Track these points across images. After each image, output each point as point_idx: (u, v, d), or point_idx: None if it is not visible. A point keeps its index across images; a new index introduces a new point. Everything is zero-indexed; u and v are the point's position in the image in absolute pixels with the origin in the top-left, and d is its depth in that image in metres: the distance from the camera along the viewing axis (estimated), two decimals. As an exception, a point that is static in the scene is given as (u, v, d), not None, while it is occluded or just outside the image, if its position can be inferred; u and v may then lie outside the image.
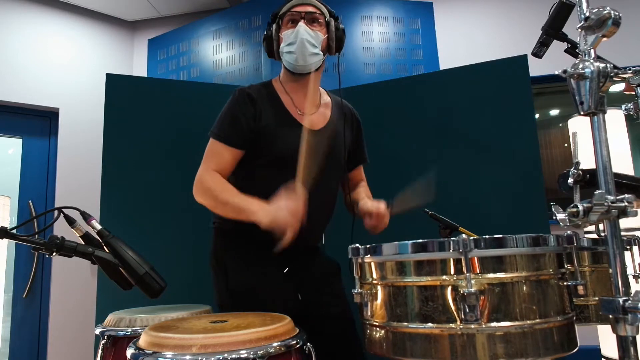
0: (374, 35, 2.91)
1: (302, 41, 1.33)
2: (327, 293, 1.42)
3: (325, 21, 1.41)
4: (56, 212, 1.01)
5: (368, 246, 0.99)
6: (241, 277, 1.31)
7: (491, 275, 0.85)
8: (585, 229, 1.95)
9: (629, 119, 2.29)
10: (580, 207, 0.82)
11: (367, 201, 1.42)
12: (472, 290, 0.81)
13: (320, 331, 1.29)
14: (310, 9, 1.38)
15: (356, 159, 1.57)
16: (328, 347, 1.30)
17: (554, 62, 1.28)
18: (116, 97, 2.14)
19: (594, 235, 1.25)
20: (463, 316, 0.82)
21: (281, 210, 1.16)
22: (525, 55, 1.98)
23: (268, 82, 1.46)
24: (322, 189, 1.38)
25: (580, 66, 0.86)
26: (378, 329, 0.94)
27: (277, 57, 1.43)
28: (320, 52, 1.38)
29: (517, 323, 0.83)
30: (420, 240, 0.90)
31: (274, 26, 1.41)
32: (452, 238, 0.86)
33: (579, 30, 0.91)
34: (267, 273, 1.32)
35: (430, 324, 0.85)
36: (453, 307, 0.84)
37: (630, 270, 1.14)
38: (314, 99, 1.45)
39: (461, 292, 0.82)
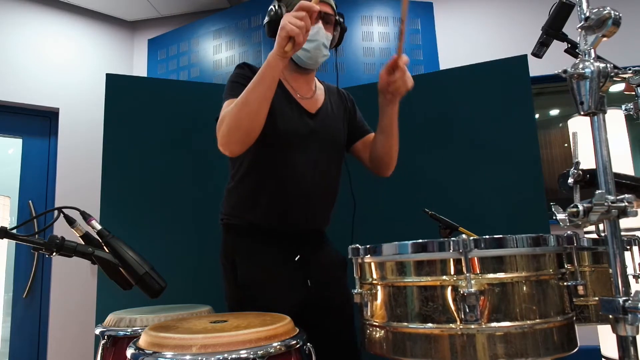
0: (374, 35, 2.91)
1: (320, 44, 1.34)
2: (333, 282, 1.42)
3: (335, 20, 1.41)
4: (56, 212, 1.01)
5: (368, 246, 0.99)
6: (249, 270, 1.31)
7: (491, 275, 0.85)
8: (585, 229, 1.95)
9: (629, 119, 2.29)
10: (580, 207, 0.82)
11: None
12: (472, 290, 0.81)
13: (319, 319, 1.31)
14: (328, 9, 1.37)
15: (361, 132, 1.57)
16: (326, 340, 1.30)
17: (554, 62, 1.28)
18: (116, 97, 2.14)
19: (594, 235, 1.25)
20: (463, 316, 0.82)
21: (284, 21, 1.12)
22: (525, 55, 1.98)
23: None
24: (322, 170, 1.39)
25: (580, 66, 0.86)
26: (378, 329, 0.94)
27: None
28: (328, 53, 1.40)
29: (517, 323, 0.83)
30: (420, 241, 0.90)
31: (284, 9, 1.37)
32: (452, 238, 0.86)
33: (579, 30, 0.91)
34: (275, 264, 1.32)
35: (430, 324, 0.85)
36: (453, 307, 0.84)
37: (630, 270, 1.14)
38: (311, 86, 1.47)
39: (461, 292, 0.82)
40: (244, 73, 1.33)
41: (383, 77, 1.34)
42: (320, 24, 1.34)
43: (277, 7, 1.38)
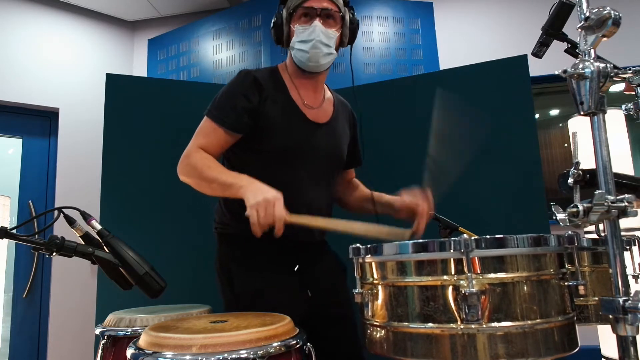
0: (374, 35, 2.91)
1: (316, 43, 1.28)
2: (333, 291, 1.40)
3: (341, 15, 1.34)
4: (56, 212, 1.01)
5: (369, 246, 0.99)
6: (246, 281, 1.28)
7: (492, 275, 0.85)
8: (585, 229, 1.95)
9: (629, 119, 2.29)
10: (580, 207, 0.82)
11: (402, 197, 1.37)
12: (473, 290, 0.81)
13: (323, 330, 1.28)
14: (326, 4, 1.31)
15: (352, 160, 1.53)
16: (330, 348, 1.29)
17: (554, 62, 1.28)
18: (116, 97, 2.14)
19: (594, 235, 1.25)
20: (464, 316, 0.82)
21: (268, 195, 1.11)
22: (525, 55, 1.98)
23: (274, 67, 1.41)
24: (321, 184, 1.37)
25: (580, 66, 0.86)
26: (379, 329, 0.94)
27: (285, 45, 1.37)
28: (334, 52, 1.34)
29: (518, 323, 0.83)
30: (421, 240, 0.90)
31: (284, 13, 1.34)
32: (453, 238, 0.85)
33: (579, 30, 0.91)
34: (273, 275, 1.29)
35: (431, 324, 0.85)
36: (454, 307, 0.84)
37: (630, 270, 1.14)
38: (319, 94, 1.43)
39: (462, 292, 0.82)
40: (240, 89, 1.29)
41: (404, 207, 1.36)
42: (316, 22, 1.29)
43: (279, 12, 1.36)
